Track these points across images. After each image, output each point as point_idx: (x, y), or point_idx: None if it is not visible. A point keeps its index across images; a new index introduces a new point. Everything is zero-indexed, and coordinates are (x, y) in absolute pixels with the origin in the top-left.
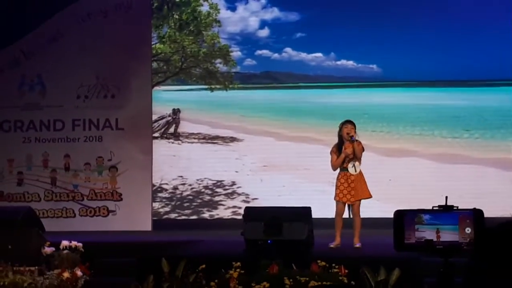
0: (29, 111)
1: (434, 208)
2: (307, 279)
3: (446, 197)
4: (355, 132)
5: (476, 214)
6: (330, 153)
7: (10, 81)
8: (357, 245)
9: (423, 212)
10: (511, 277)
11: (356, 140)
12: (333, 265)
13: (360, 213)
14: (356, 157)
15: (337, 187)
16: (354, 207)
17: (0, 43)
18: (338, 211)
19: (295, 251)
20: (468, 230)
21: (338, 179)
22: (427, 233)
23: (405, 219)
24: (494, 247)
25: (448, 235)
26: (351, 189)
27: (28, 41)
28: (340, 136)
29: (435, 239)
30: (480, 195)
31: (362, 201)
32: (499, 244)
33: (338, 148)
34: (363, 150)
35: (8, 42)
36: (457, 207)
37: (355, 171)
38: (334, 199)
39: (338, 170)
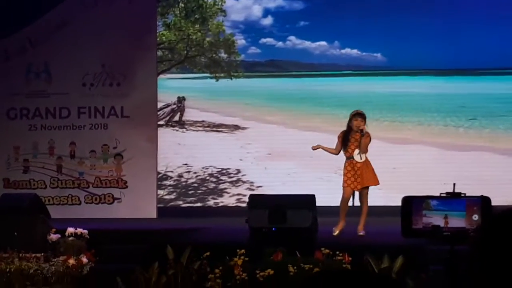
0: (35, 98)
1: (442, 194)
2: (311, 266)
3: (454, 184)
4: (364, 124)
5: (483, 201)
6: (337, 137)
7: (16, 68)
8: (361, 233)
9: (431, 198)
10: None
11: (366, 133)
12: (337, 252)
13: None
14: (361, 150)
15: (344, 175)
16: (362, 195)
17: (7, 31)
18: (345, 196)
19: (299, 239)
20: (475, 217)
21: (345, 167)
22: (434, 219)
23: (413, 205)
24: (502, 234)
25: (456, 222)
26: (358, 176)
27: (35, 29)
28: (349, 126)
29: (442, 225)
30: (485, 183)
31: (368, 188)
32: (506, 231)
33: (344, 136)
34: (369, 141)
35: (14, 30)
36: (465, 194)
37: (361, 158)
38: (343, 186)
39: (344, 158)
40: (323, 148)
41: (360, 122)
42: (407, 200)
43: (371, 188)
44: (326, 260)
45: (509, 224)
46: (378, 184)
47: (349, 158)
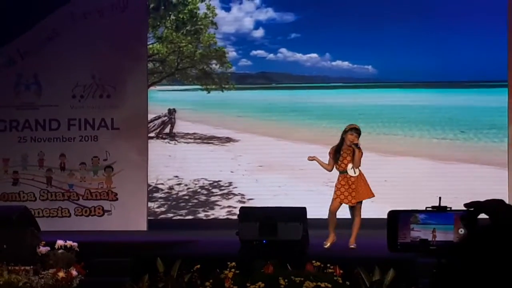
0: (25, 110)
1: (428, 208)
2: (302, 279)
3: (440, 198)
4: (358, 139)
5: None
6: (329, 153)
7: (6, 80)
8: (352, 246)
9: (417, 212)
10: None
11: (358, 147)
12: (328, 265)
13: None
14: (354, 164)
15: (337, 189)
16: (356, 208)
17: None
18: (332, 209)
19: (290, 251)
20: (461, 231)
21: (338, 181)
22: (422, 233)
23: (399, 219)
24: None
25: (444, 235)
26: (352, 190)
27: (24, 41)
28: (342, 139)
29: (430, 239)
30: (475, 195)
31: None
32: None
33: (335, 151)
34: (362, 155)
35: (4, 41)
36: (451, 207)
37: (355, 173)
38: (333, 198)
39: (338, 173)
40: (318, 162)
41: (355, 137)
42: (392, 214)
43: (363, 200)
44: (317, 273)
45: (491, 238)
46: (374, 196)
47: (343, 172)
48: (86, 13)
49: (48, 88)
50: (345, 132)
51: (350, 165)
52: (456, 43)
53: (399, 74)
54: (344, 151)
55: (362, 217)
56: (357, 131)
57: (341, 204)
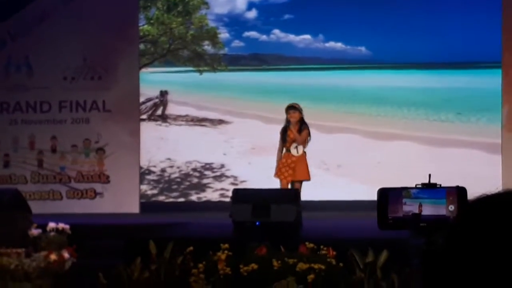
0: (16, 92)
1: (418, 186)
2: (295, 260)
3: (430, 175)
4: (300, 115)
5: (459, 192)
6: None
7: None
8: None
9: (407, 189)
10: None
11: (303, 125)
12: (321, 247)
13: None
14: (297, 142)
15: (277, 166)
16: (294, 187)
17: None
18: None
19: (283, 233)
20: (451, 207)
21: (281, 158)
22: (414, 207)
23: (389, 196)
24: (477, 222)
25: (435, 210)
26: (290, 168)
27: (14, 23)
28: (287, 119)
29: (417, 212)
30: (469, 178)
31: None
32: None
33: (282, 131)
34: (307, 135)
35: None
36: (440, 184)
37: (297, 152)
38: (274, 176)
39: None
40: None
41: (292, 114)
42: (382, 192)
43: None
44: (310, 255)
45: (484, 211)
46: (309, 179)
47: (287, 151)
48: None
49: (39, 70)
50: (286, 111)
51: (294, 144)
52: (450, 24)
53: (392, 56)
54: (290, 130)
55: (354, 198)
56: (293, 108)
57: (288, 184)
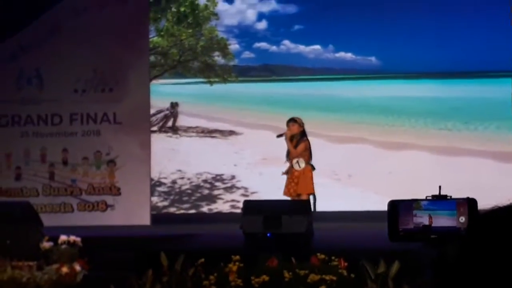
0: (27, 105)
1: (428, 198)
2: (307, 272)
3: (440, 187)
4: (299, 128)
5: (470, 203)
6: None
7: (7, 75)
8: None
9: (417, 201)
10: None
11: (302, 139)
12: (333, 258)
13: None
14: (292, 156)
15: (286, 181)
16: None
17: None
18: None
19: (294, 244)
20: (462, 219)
21: (287, 173)
22: (425, 219)
23: (400, 208)
24: (486, 236)
25: (446, 222)
26: (294, 184)
27: (26, 35)
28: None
29: (427, 223)
30: (479, 188)
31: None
32: (493, 232)
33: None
34: (305, 148)
35: (5, 36)
36: (451, 196)
37: (299, 167)
38: (283, 194)
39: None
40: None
41: (291, 127)
42: (393, 204)
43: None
44: (322, 266)
45: (496, 223)
46: (312, 193)
47: (292, 166)
48: (87, 7)
49: (50, 83)
50: (286, 124)
51: (295, 160)
52: (460, 33)
53: (402, 65)
54: (291, 144)
55: (366, 209)
56: (294, 121)
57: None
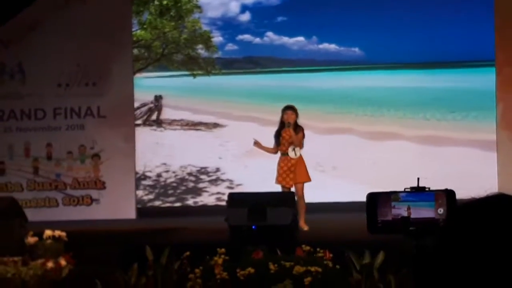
0: (10, 100)
1: (406, 189)
2: (292, 264)
3: (418, 178)
4: (296, 117)
5: (448, 194)
6: (274, 137)
7: None
8: (305, 229)
9: (395, 193)
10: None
11: (299, 127)
12: (318, 249)
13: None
14: (294, 144)
15: (277, 171)
16: (298, 191)
17: None
18: None
19: (279, 236)
20: (440, 210)
21: (278, 163)
22: (403, 210)
23: (378, 200)
24: (466, 228)
25: (424, 213)
26: (290, 172)
27: (7, 30)
28: (281, 121)
29: (406, 215)
30: (464, 177)
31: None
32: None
33: (277, 133)
34: (303, 136)
35: None
36: (429, 188)
37: (295, 155)
38: (275, 183)
39: (279, 154)
40: (261, 147)
41: (290, 115)
42: (371, 196)
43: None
44: (307, 257)
45: (474, 215)
46: (310, 181)
47: (284, 154)
48: (67, 1)
49: (32, 77)
50: (282, 112)
51: (291, 147)
52: (443, 23)
53: (386, 56)
54: (285, 132)
55: (352, 200)
56: (291, 109)
57: (290, 189)
